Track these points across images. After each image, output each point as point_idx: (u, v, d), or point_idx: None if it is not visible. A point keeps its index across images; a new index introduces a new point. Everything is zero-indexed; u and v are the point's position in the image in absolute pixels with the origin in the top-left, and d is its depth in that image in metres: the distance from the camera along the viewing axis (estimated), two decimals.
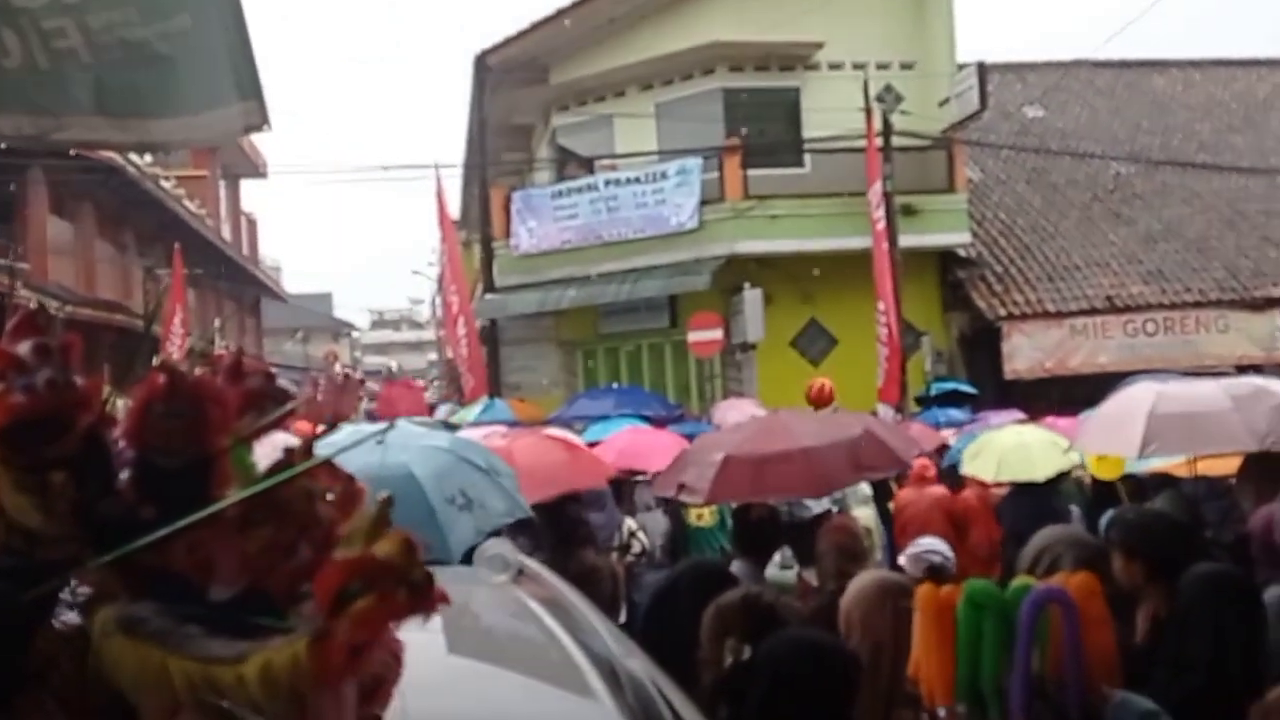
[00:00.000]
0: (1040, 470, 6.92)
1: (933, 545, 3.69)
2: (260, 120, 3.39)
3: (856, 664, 2.24)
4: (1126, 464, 6.67)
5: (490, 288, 16.58)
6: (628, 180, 15.47)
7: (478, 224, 17.79)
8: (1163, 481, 6.54)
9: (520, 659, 2.06)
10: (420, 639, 1.14)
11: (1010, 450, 7.06)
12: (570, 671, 1.82)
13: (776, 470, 5.10)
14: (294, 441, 1.34)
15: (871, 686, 2.35)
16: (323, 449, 1.35)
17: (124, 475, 1.27)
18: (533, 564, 2.59)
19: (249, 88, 3.32)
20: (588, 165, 16.38)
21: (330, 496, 1.28)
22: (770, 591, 2.70)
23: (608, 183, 15.59)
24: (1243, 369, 13.42)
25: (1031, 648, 1.94)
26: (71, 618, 1.19)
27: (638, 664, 1.85)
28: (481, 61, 16.60)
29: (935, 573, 2.94)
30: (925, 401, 14.26)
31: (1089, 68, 20.98)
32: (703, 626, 2.43)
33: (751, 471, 5.11)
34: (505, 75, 16.76)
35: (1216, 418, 5.02)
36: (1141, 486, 6.77)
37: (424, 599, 1.07)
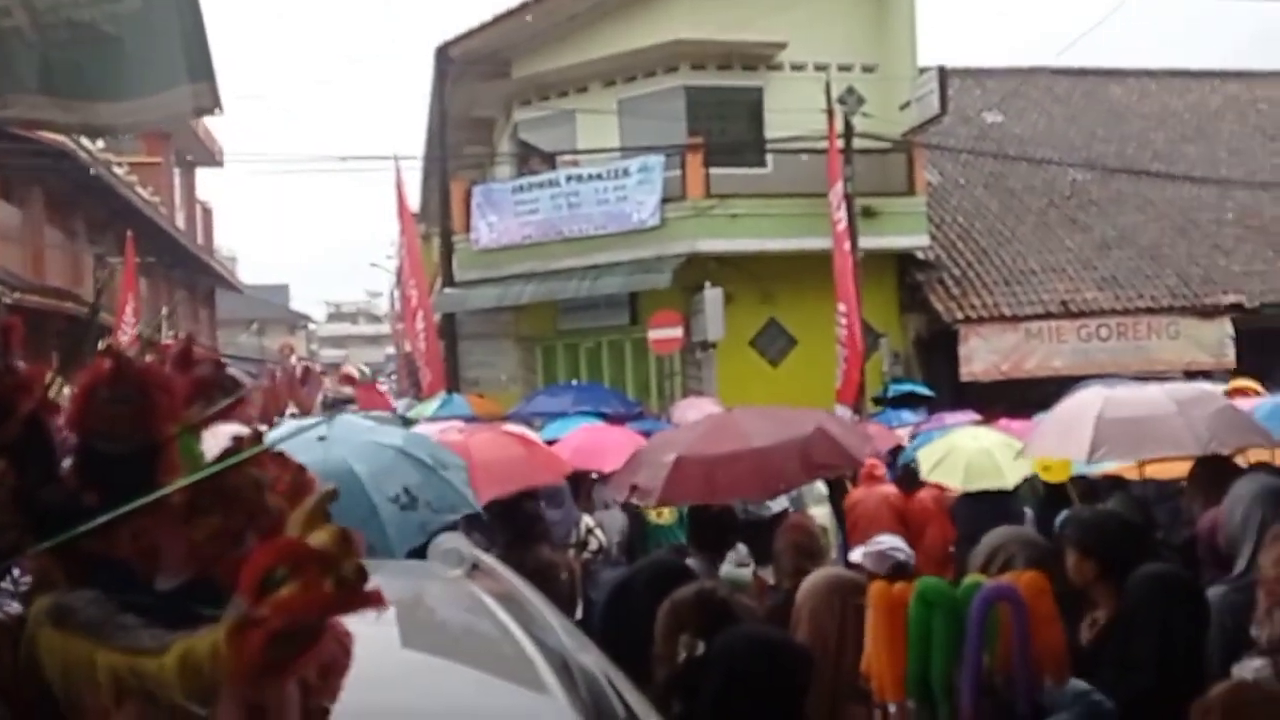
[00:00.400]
0: (1009, 478, 6.98)
1: (892, 542, 3.72)
2: (211, 103, 3.33)
3: (808, 659, 2.25)
4: (1075, 466, 6.77)
5: (449, 282, 16.47)
6: (590, 176, 15.44)
7: (438, 217, 17.67)
8: (1113, 484, 6.65)
9: (473, 653, 2.04)
10: (373, 632, 1.12)
11: (976, 457, 7.09)
12: (523, 666, 1.81)
13: (728, 471, 5.10)
14: (243, 430, 1.32)
15: (820, 681, 2.36)
16: (271, 439, 1.33)
17: (67, 462, 1.25)
18: (487, 559, 2.57)
19: (200, 70, 3.25)
20: (549, 160, 16.32)
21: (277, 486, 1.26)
22: (724, 588, 2.70)
23: (569, 178, 15.55)
24: (1191, 375, 13.68)
25: (981, 645, 1.96)
26: (14, 607, 1.17)
27: (591, 659, 1.84)
28: (443, 53, 16.47)
29: (899, 570, 2.96)
30: (882, 402, 14.38)
31: (1048, 75, 21.28)
32: (657, 622, 2.43)
33: (703, 472, 5.10)
34: (467, 68, 16.65)
35: (1162, 422, 5.12)
36: (1093, 488, 6.86)
37: (353, 594, 1.04)
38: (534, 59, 16.58)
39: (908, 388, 14.37)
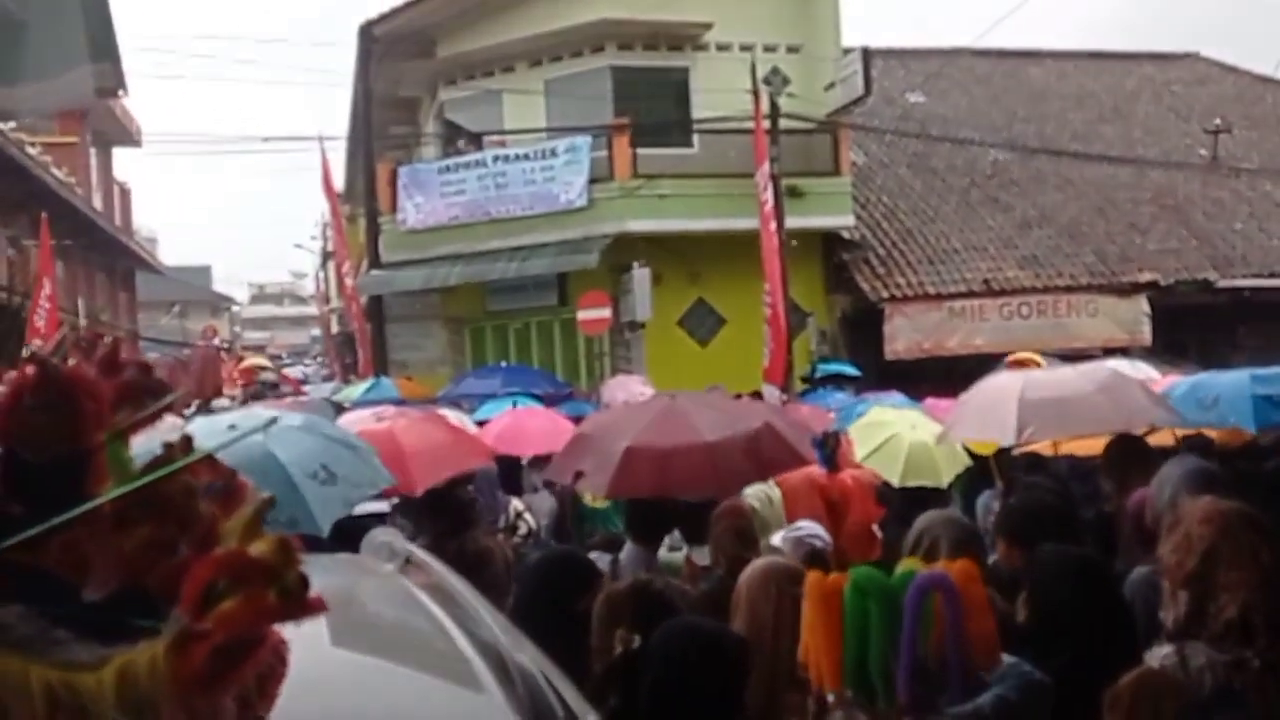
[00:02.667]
0: (945, 475, 7.03)
1: (811, 529, 3.77)
2: (114, 83, 3.23)
3: (746, 649, 2.27)
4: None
5: (376, 263, 16.24)
6: (517, 157, 15.33)
7: (363, 198, 17.37)
8: (1031, 459, 6.83)
9: (408, 652, 2.02)
10: (305, 632, 1.11)
11: (915, 451, 7.09)
12: (459, 664, 1.80)
13: (681, 465, 5.05)
14: (173, 435, 1.29)
15: (759, 670, 2.39)
16: (202, 442, 1.30)
17: None
18: (421, 553, 2.55)
19: (104, 49, 3.15)
20: (476, 141, 16.15)
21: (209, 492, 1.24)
22: (660, 579, 2.72)
23: (496, 159, 15.42)
24: (1109, 351, 14.11)
25: (916, 633, 2.00)
26: None
27: (527, 655, 1.84)
28: (367, 32, 16.17)
29: (814, 557, 3.01)
30: (810, 382, 14.57)
31: (969, 56, 21.62)
32: (593, 616, 2.43)
33: (655, 465, 5.06)
34: (391, 47, 16.37)
35: (1084, 400, 5.29)
36: (1014, 464, 7.03)
37: (297, 603, 1.03)
38: (459, 38, 16.36)
39: (835, 368, 14.57)
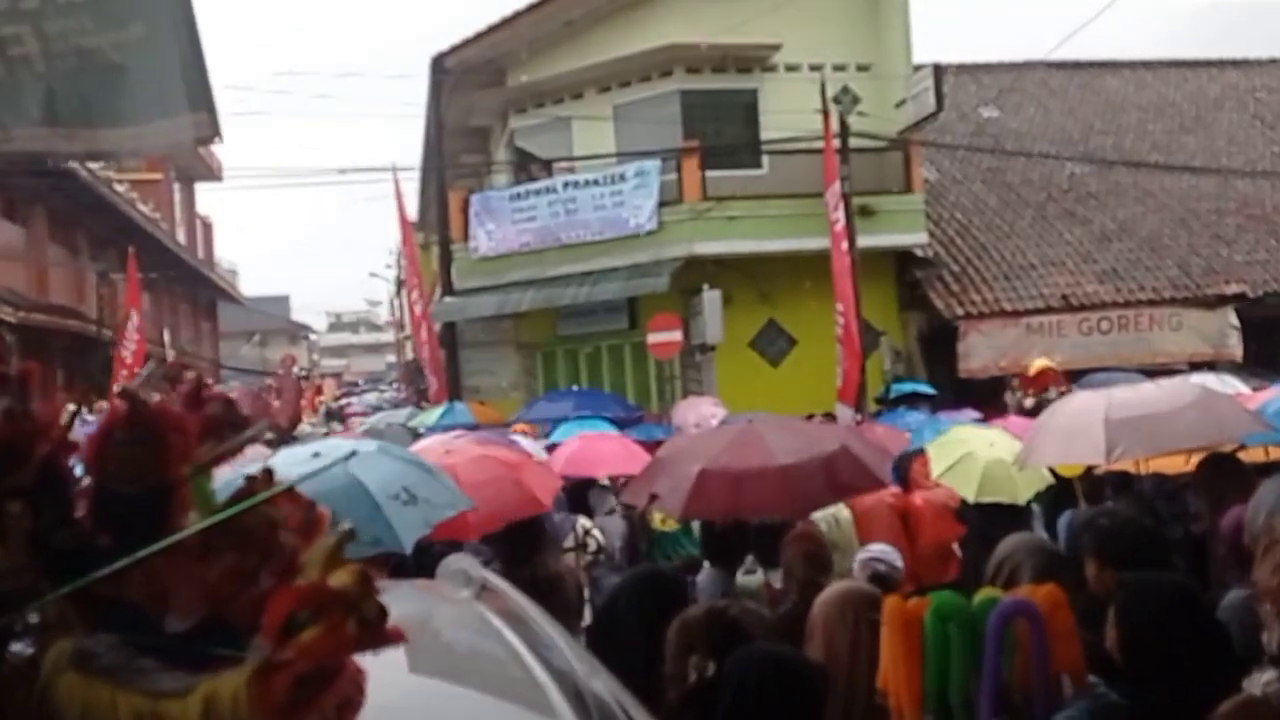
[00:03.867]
0: (1022, 493, 6.88)
1: (881, 553, 3.70)
2: (211, 132, 3.35)
3: (823, 675, 2.24)
4: None
5: (449, 290, 16.48)
6: (586, 182, 15.45)
7: (436, 226, 17.67)
8: (1118, 479, 6.64)
9: (483, 678, 2.03)
10: (382, 660, 1.12)
11: (992, 468, 6.96)
12: (534, 691, 1.80)
13: (754, 488, 5.06)
14: (255, 467, 1.32)
15: (835, 697, 2.35)
16: (283, 474, 1.33)
17: (81, 504, 1.25)
18: (496, 579, 2.56)
19: (200, 99, 3.27)
20: (546, 167, 16.33)
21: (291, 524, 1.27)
22: (735, 606, 2.70)
23: (566, 185, 15.56)
24: (1195, 366, 13.68)
25: (1000, 661, 1.95)
26: (25, 650, 1.17)
27: (602, 683, 1.84)
28: (438, 64, 16.49)
29: (880, 580, 2.95)
30: (885, 402, 14.37)
31: (1043, 69, 21.26)
32: (667, 642, 2.42)
33: (728, 488, 5.06)
34: (462, 77, 16.66)
35: (1173, 417, 5.13)
36: (1098, 484, 6.85)
37: (375, 632, 1.05)
38: (529, 67, 16.59)
39: (909, 387, 14.34)
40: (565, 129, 16.42)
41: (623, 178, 15.21)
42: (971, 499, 6.85)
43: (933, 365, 15.80)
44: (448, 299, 16.42)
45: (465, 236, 16.15)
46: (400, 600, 2.52)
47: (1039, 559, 2.83)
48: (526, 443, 9.93)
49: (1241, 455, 5.34)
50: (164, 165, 24.88)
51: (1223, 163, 18.76)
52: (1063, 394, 9.28)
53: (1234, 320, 15.56)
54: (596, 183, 15.36)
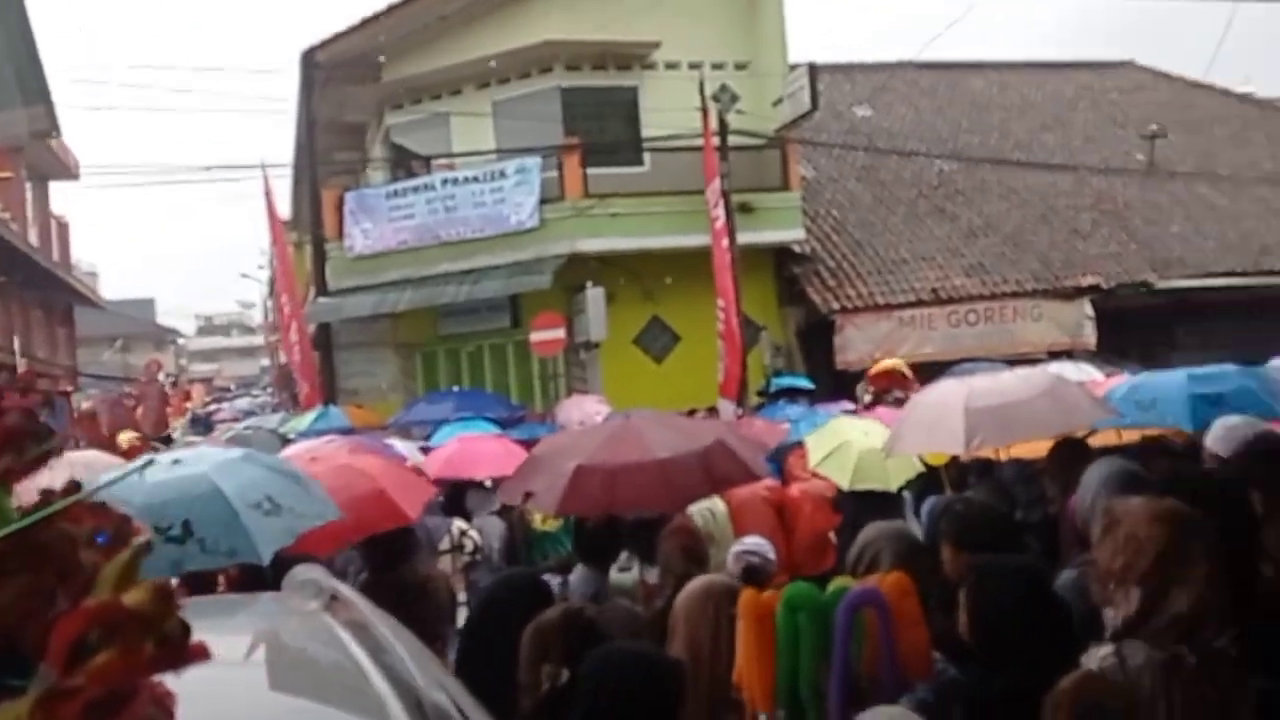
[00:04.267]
0: (894, 480, 7.06)
1: (753, 545, 3.72)
2: (48, 126, 3.15)
3: (680, 672, 2.22)
4: None
5: (323, 290, 16.05)
6: (466, 179, 15.24)
7: (309, 225, 17.19)
8: (982, 466, 6.86)
9: (323, 690, 1.97)
10: (226, 674, 1.05)
11: (866, 456, 7.11)
12: (372, 703, 1.74)
13: (631, 482, 5.02)
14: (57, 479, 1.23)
15: (696, 692, 2.34)
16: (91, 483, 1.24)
17: None
18: (345, 589, 2.48)
19: (35, 93, 3.07)
20: (425, 164, 16.06)
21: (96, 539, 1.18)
22: (593, 607, 2.66)
23: (445, 182, 15.32)
24: (1054, 355, 14.28)
25: (848, 650, 1.96)
26: None
27: (445, 693, 1.79)
28: (309, 58, 16.03)
29: (754, 572, 2.96)
30: (765, 396, 14.57)
31: (913, 69, 21.88)
32: (521, 649, 2.36)
33: (605, 483, 5.01)
34: (335, 72, 16.23)
35: (1027, 405, 5.32)
36: (963, 471, 7.06)
37: (176, 652, 0.98)
38: (404, 62, 16.28)
39: (789, 382, 14.57)
40: (444, 125, 16.17)
41: (503, 175, 15.06)
42: (846, 486, 7.00)
43: (811, 358, 16.10)
44: (322, 299, 15.99)
45: (340, 235, 15.76)
46: (247, 613, 2.42)
47: (898, 545, 2.88)
48: (402, 446, 9.75)
49: (1092, 440, 5.57)
50: (14, 162, 23.56)
51: (1079, 160, 19.60)
52: (900, 399, 9.61)
53: (1089, 311, 16.30)
54: (476, 180, 15.17)
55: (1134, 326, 16.06)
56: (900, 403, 10.17)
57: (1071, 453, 4.76)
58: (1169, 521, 2.04)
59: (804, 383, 14.35)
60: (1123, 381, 7.11)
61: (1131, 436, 6.44)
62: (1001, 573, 2.45)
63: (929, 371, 10.99)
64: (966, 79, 22.28)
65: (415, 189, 15.45)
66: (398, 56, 16.34)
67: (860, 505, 6.58)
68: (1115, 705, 1.89)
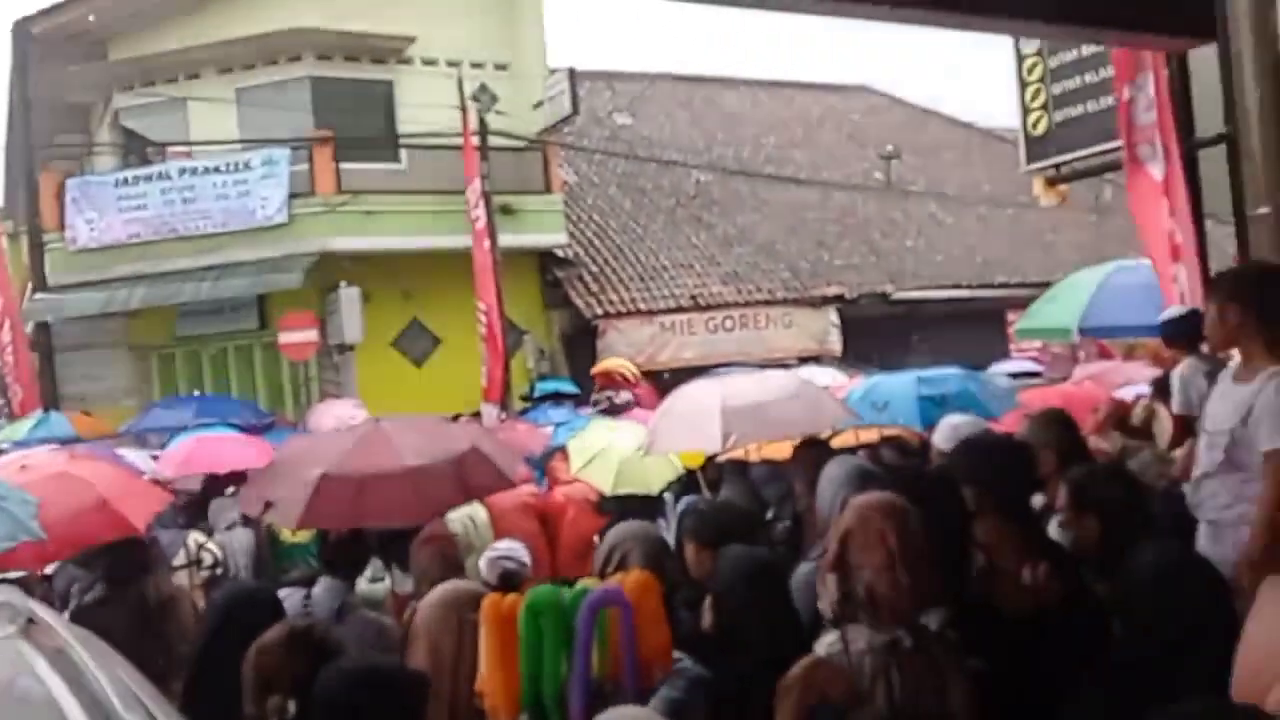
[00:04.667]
0: (655, 483, 7.14)
1: (508, 550, 3.63)
2: None
3: (417, 684, 2.09)
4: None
5: (42, 286, 14.62)
6: (206, 169, 14.29)
7: (25, 214, 15.60)
8: (737, 467, 7.06)
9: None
10: None
11: (628, 461, 7.15)
12: None
13: (380, 491, 4.77)
14: None
15: (438, 703, 2.22)
16: None
17: None
18: (45, 613, 2.22)
19: None
20: (159, 151, 14.93)
21: None
22: (323, 624, 2.47)
23: (183, 171, 14.30)
24: (803, 360, 15.05)
25: (590, 651, 1.91)
26: None
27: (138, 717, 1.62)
28: (23, 30, 14.57)
29: (509, 578, 2.88)
30: (529, 400, 14.51)
31: (671, 81, 22.49)
32: (244, 676, 2.16)
33: (351, 493, 4.73)
34: (54, 47, 14.83)
35: (779, 406, 5.52)
36: (719, 471, 7.25)
37: None
38: (135, 41, 15.10)
39: (553, 386, 14.57)
40: (180, 110, 15.08)
41: (248, 165, 14.23)
42: (609, 491, 7.03)
43: (575, 363, 16.17)
44: (40, 296, 14.55)
45: (61, 226, 14.40)
46: None
47: (645, 545, 2.88)
48: (133, 456, 9.01)
49: (834, 441, 5.85)
50: None
51: (824, 176, 20.74)
52: (623, 403, 9.80)
53: (835, 319, 17.28)
54: (219, 170, 14.25)
55: (875, 334, 17.15)
56: (618, 409, 10.26)
57: (815, 452, 4.97)
58: (855, 511, 2.13)
59: (568, 387, 14.40)
60: (855, 385, 7.53)
61: (870, 436, 6.83)
62: (735, 565, 2.49)
63: (689, 376, 11.31)
64: (721, 93, 23.11)
65: (148, 177, 14.34)
66: (128, 34, 15.14)
67: (623, 508, 6.62)
68: (838, 688, 1.95)
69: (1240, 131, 5.09)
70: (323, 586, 4.42)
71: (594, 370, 10.97)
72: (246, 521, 7.46)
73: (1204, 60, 5.34)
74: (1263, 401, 3.32)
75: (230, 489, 7.76)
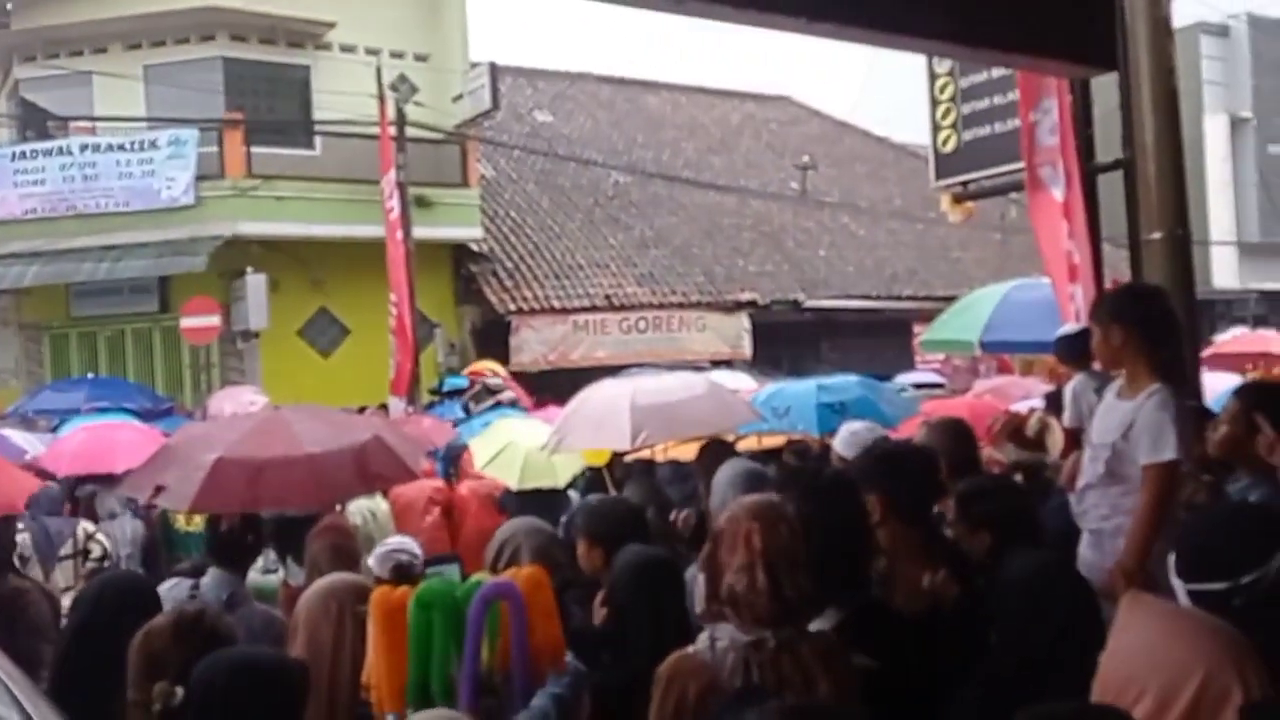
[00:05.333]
0: (561, 477, 7.13)
1: (400, 544, 3.59)
2: None
3: (298, 673, 2.05)
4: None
5: None
6: (109, 146, 13.84)
7: None
8: (644, 466, 7.10)
9: None
10: None
11: (533, 455, 7.13)
12: None
13: (278, 477, 4.65)
14: None
15: (318, 696, 2.18)
16: None
17: None
18: None
19: None
20: (61, 125, 14.39)
21: None
22: (214, 611, 2.42)
23: (85, 147, 13.83)
24: (716, 363, 15.19)
25: (480, 644, 1.91)
26: None
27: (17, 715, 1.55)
28: None
29: (402, 571, 2.85)
30: (437, 394, 14.37)
31: (593, 81, 22.49)
32: (130, 661, 2.10)
33: (247, 477, 4.60)
34: None
35: (689, 405, 5.57)
36: (626, 470, 7.27)
37: None
38: (38, 10, 14.53)
39: (463, 383, 14.43)
40: (85, 85, 14.56)
41: (155, 145, 13.82)
42: (515, 486, 7.02)
43: (486, 358, 16.05)
44: None
45: None
46: None
47: (536, 539, 2.88)
48: (21, 439, 8.69)
49: (740, 445, 5.93)
50: None
51: (741, 183, 20.96)
52: (495, 387, 9.69)
53: (747, 324, 17.48)
54: (123, 148, 13.81)
55: (785, 340, 17.40)
56: (491, 390, 10.10)
57: (719, 453, 5.02)
58: (728, 511, 2.19)
59: None
60: (763, 389, 7.64)
61: (774, 440, 6.93)
62: (632, 563, 2.51)
63: (601, 375, 11.33)
64: (643, 96, 23.19)
65: (48, 152, 13.83)
66: (33, 2, 14.56)
67: (526, 503, 6.59)
68: (699, 682, 1.99)
69: (1137, 158, 5.31)
70: (212, 577, 4.30)
71: (465, 370, 10.98)
72: (135, 510, 7.23)
73: (1105, 88, 5.54)
74: (1143, 417, 3.47)
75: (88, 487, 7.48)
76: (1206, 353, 8.35)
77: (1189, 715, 1.68)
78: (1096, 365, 4.68)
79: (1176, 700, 1.69)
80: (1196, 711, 1.68)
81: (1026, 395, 7.66)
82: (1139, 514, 3.42)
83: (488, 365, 12.12)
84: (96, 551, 6.39)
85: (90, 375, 13.45)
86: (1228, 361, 9.51)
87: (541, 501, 6.69)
